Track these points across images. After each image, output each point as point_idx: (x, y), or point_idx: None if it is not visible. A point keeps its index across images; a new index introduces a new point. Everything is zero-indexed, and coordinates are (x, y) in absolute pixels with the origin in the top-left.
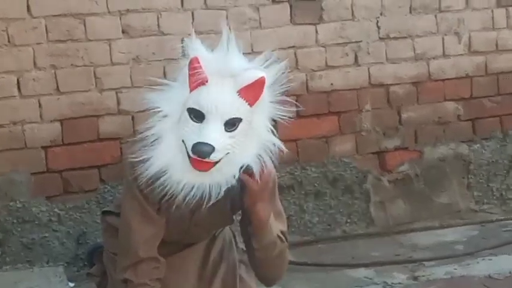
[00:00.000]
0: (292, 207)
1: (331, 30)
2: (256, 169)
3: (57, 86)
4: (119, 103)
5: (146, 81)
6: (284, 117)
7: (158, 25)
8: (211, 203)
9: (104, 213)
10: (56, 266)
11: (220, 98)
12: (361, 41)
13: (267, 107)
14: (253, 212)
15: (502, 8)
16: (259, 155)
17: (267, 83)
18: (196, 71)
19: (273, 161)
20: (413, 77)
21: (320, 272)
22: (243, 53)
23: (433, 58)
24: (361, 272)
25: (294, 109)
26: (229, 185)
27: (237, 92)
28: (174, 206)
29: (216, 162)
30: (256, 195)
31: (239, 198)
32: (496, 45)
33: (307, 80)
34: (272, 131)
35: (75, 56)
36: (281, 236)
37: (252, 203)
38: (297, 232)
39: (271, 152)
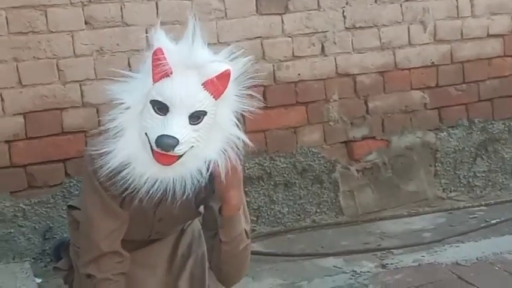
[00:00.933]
0: (262, 198)
1: (297, 20)
2: (221, 163)
3: (19, 79)
4: (82, 95)
5: (110, 73)
6: (249, 111)
7: (122, 16)
8: (177, 198)
9: (70, 207)
10: (22, 262)
11: (184, 90)
12: (327, 31)
13: (232, 101)
14: (225, 200)
15: None
16: (224, 149)
17: (233, 76)
18: (160, 62)
19: (238, 155)
20: (379, 66)
21: (289, 262)
22: (209, 44)
23: (399, 47)
24: (330, 261)
25: (260, 102)
26: (194, 180)
27: (202, 84)
28: (136, 200)
29: (180, 156)
30: (228, 181)
31: (204, 191)
32: (461, 33)
33: (274, 70)
34: (237, 125)
35: (37, 48)
36: (246, 231)
37: (225, 191)
38: (266, 223)
39: (236, 146)
